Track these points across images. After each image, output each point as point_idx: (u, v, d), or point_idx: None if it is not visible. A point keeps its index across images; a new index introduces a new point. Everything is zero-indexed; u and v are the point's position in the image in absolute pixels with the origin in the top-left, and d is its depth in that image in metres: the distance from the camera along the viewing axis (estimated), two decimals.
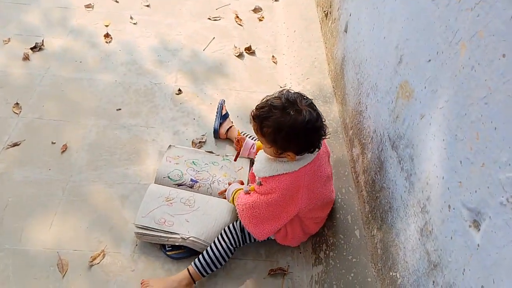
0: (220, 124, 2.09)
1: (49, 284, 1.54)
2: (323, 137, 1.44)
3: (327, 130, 1.44)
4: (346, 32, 2.03)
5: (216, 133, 2.09)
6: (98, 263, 1.60)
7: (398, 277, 1.21)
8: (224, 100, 2.17)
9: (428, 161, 1.09)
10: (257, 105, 1.42)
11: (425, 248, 1.07)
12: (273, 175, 1.44)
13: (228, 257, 1.59)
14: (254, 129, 1.44)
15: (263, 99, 1.43)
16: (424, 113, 1.14)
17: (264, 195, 1.47)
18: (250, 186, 1.59)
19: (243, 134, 2.01)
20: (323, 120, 1.42)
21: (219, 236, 1.61)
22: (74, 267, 1.59)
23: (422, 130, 1.15)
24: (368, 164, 1.55)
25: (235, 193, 1.62)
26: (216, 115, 2.11)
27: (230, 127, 2.09)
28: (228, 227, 1.62)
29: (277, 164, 1.44)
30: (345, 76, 1.96)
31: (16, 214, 1.71)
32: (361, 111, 1.69)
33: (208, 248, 1.58)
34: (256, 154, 1.60)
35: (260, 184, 1.50)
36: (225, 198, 1.70)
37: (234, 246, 1.60)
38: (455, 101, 0.98)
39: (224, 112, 2.11)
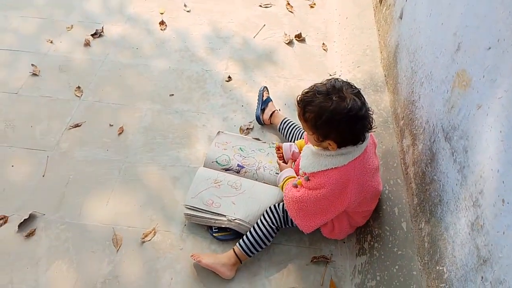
0: (263, 110, 2.10)
1: (105, 257, 1.65)
2: (369, 130, 1.39)
3: (373, 123, 1.39)
4: (401, 18, 1.96)
5: (259, 120, 2.11)
6: (149, 240, 1.70)
7: (445, 271, 1.18)
8: (265, 87, 2.18)
9: (483, 153, 1.05)
10: (303, 91, 1.42)
11: (475, 243, 1.04)
12: (321, 170, 1.42)
13: (272, 236, 1.61)
14: (298, 115, 1.44)
15: (311, 86, 1.42)
16: (481, 103, 1.09)
17: (312, 190, 1.45)
18: (298, 179, 1.57)
19: (286, 121, 2.01)
20: (370, 111, 1.37)
21: (262, 217, 1.63)
22: (128, 243, 1.69)
23: (478, 121, 1.10)
24: (418, 155, 1.50)
25: (286, 181, 1.63)
26: (257, 103, 2.13)
27: (273, 112, 2.08)
28: (270, 208, 1.64)
29: (325, 159, 1.42)
30: (398, 65, 1.90)
31: (76, 191, 1.84)
32: (413, 100, 1.63)
33: (251, 228, 1.61)
34: (301, 152, 1.59)
35: (308, 179, 1.48)
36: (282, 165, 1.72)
37: (277, 225, 1.61)
38: None
39: (265, 98, 2.12)
